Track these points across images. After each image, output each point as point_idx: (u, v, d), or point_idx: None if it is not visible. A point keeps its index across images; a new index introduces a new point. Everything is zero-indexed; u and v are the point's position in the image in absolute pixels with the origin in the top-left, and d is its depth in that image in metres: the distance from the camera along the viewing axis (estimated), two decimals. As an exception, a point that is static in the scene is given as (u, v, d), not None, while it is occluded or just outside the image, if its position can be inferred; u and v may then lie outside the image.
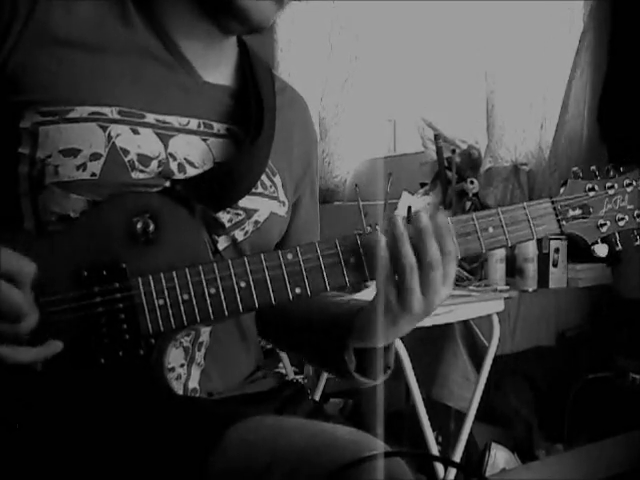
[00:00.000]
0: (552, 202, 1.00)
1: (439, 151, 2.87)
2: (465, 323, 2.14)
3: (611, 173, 1.03)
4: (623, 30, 2.53)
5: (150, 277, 0.87)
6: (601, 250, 1.02)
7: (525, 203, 0.99)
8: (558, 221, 1.00)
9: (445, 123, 3.03)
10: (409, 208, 2.82)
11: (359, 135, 3.59)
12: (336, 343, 1.00)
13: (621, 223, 1.02)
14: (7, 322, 0.80)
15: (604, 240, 1.02)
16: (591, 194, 1.01)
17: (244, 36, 1.11)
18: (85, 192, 0.91)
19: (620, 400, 2.26)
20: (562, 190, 1.01)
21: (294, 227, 1.15)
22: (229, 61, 1.09)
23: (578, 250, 2.37)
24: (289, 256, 0.90)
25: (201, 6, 1.01)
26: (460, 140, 2.94)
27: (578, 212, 1.01)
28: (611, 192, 1.02)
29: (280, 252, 0.91)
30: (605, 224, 1.02)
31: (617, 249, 1.03)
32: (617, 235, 1.03)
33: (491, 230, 0.96)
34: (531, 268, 2.35)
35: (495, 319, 2.12)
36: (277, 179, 1.08)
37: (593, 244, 1.02)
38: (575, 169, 1.03)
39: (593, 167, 1.03)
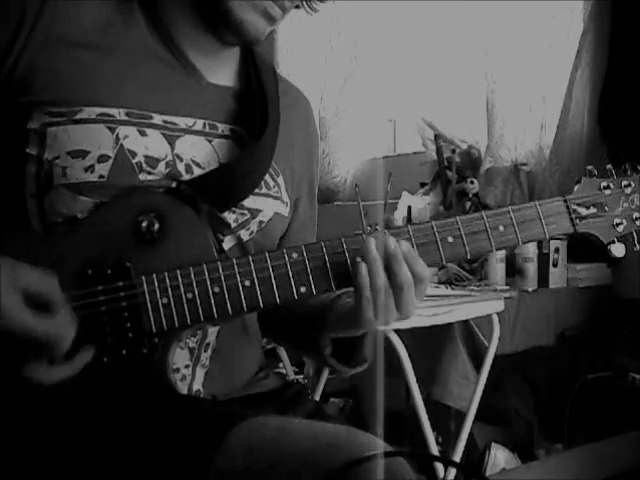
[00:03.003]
0: (564, 200, 0.98)
1: (439, 151, 2.87)
2: (465, 323, 2.14)
3: (628, 171, 1.01)
4: (623, 31, 2.53)
5: (154, 276, 0.87)
6: (618, 250, 0.99)
7: (537, 201, 0.97)
8: (571, 220, 0.98)
9: (445, 123, 3.03)
10: (409, 208, 2.83)
11: (359, 135, 3.59)
12: (313, 331, 1.01)
13: (639, 222, 1.00)
14: (44, 349, 0.81)
15: (620, 240, 1.00)
16: (606, 192, 0.99)
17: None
18: (93, 194, 0.91)
19: (620, 400, 2.25)
20: (576, 188, 0.99)
21: (291, 227, 1.15)
22: (232, 63, 1.10)
23: (578, 250, 2.39)
24: (294, 255, 0.90)
25: (200, 17, 1.02)
26: (460, 140, 2.94)
27: (592, 211, 0.98)
28: (628, 190, 1.00)
29: (285, 251, 0.90)
30: (621, 223, 0.99)
31: (635, 249, 1.00)
32: (635, 234, 1.00)
33: (501, 229, 0.95)
34: (531, 268, 2.35)
35: (495, 319, 2.12)
36: (280, 179, 1.08)
37: (609, 244, 0.99)
38: (590, 167, 1.00)
39: (609, 166, 1.01)
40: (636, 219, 1.00)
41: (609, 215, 0.99)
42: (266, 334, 1.19)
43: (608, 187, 0.99)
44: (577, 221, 0.98)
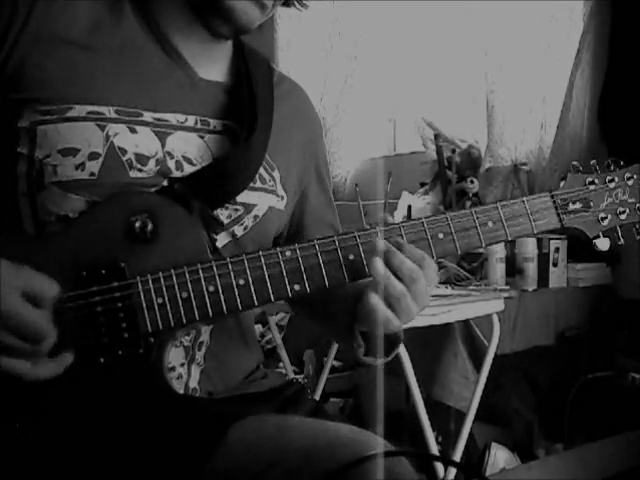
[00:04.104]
0: (551, 196, 1.00)
1: (439, 151, 2.87)
2: (465, 323, 2.14)
3: (612, 167, 1.03)
4: (623, 30, 2.53)
5: (149, 276, 0.87)
6: (603, 244, 1.02)
7: (524, 197, 0.99)
8: (558, 215, 1.00)
9: (445, 123, 3.03)
10: (409, 208, 2.83)
11: (359, 135, 3.58)
12: (344, 327, 1.01)
13: (622, 216, 1.02)
14: (28, 342, 0.81)
15: (606, 234, 1.02)
16: (591, 187, 1.02)
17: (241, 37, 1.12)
18: (84, 192, 0.91)
19: (620, 400, 2.25)
20: (562, 184, 1.02)
21: (308, 216, 1.16)
22: (224, 57, 1.10)
23: (578, 250, 2.38)
24: (288, 253, 0.91)
25: (191, 8, 1.02)
26: (460, 140, 2.94)
27: (578, 206, 1.01)
28: (612, 185, 1.02)
29: (279, 249, 0.91)
30: (606, 217, 1.02)
31: (619, 243, 1.02)
32: (619, 229, 1.03)
33: (490, 225, 0.97)
34: (531, 268, 2.35)
35: (495, 319, 2.12)
36: (276, 173, 1.08)
37: (594, 238, 1.02)
38: (575, 163, 1.03)
39: (593, 161, 1.03)
40: (620, 213, 1.03)
41: (594, 210, 1.02)
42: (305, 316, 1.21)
43: (593, 182, 1.02)
44: (564, 216, 1.00)
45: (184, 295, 0.88)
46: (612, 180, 1.02)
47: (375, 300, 0.90)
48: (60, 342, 0.85)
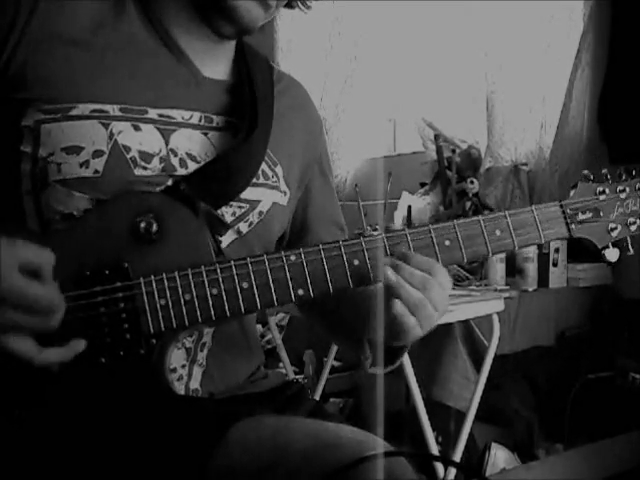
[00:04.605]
0: (561, 205, 0.99)
1: (439, 151, 2.87)
2: (465, 323, 2.14)
3: (623, 176, 1.02)
4: (623, 30, 2.53)
5: (152, 277, 0.88)
6: (612, 255, 1.00)
7: (533, 206, 0.98)
8: (567, 224, 0.99)
9: (445, 123, 3.03)
10: (409, 208, 2.83)
11: (359, 135, 3.58)
12: (352, 337, 1.03)
13: (633, 227, 1.01)
14: (37, 317, 0.79)
15: (615, 244, 1.01)
16: (601, 197, 1.00)
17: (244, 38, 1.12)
18: (88, 190, 0.91)
19: (620, 400, 2.25)
20: (572, 193, 1.00)
21: (312, 213, 1.16)
22: (227, 57, 1.10)
23: (578, 250, 2.38)
24: (292, 257, 0.90)
25: (195, 8, 1.02)
26: (460, 140, 2.94)
27: (588, 215, 0.99)
28: (623, 196, 1.01)
29: (283, 253, 0.91)
30: (616, 228, 1.00)
31: (629, 254, 1.01)
32: (629, 239, 1.01)
33: (498, 233, 0.96)
34: (531, 268, 2.35)
35: (495, 319, 2.12)
36: (279, 169, 1.08)
37: (604, 248, 1.00)
38: (586, 172, 1.01)
39: (604, 170, 1.02)
40: (630, 224, 1.01)
41: (604, 220, 1.00)
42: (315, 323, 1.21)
43: (603, 192, 1.00)
44: (572, 226, 0.99)
45: (187, 297, 0.88)
46: (623, 190, 1.00)
47: (400, 308, 0.89)
48: (65, 333, 0.84)
